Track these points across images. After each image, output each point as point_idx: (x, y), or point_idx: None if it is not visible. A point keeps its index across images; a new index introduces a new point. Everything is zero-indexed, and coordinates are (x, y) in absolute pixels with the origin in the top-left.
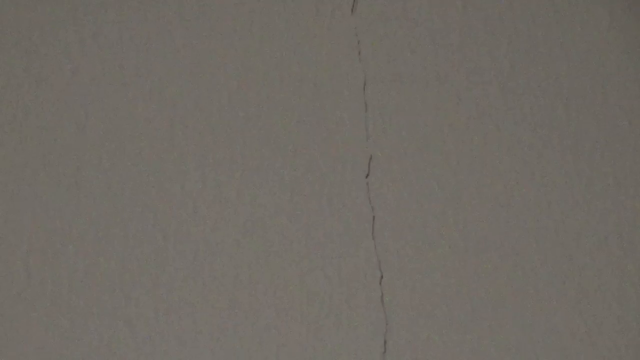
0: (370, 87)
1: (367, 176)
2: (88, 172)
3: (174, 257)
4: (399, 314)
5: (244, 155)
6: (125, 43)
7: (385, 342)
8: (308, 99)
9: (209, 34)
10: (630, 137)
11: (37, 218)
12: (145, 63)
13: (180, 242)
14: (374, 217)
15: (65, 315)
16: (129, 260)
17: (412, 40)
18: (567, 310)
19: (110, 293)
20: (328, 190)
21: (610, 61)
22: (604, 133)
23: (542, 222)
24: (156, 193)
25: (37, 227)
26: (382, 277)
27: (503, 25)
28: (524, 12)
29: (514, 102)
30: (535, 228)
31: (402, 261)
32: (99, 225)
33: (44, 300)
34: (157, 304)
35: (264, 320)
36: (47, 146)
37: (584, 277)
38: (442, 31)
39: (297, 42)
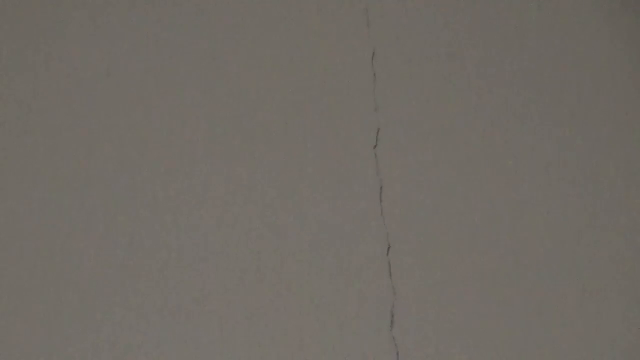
0: (378, 59)
1: (375, 147)
2: (97, 159)
3: (183, 239)
4: (406, 285)
5: (253, 129)
6: (135, 37)
7: (392, 314)
8: (317, 71)
9: (217, 10)
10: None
11: (47, 204)
12: (157, 53)
13: (190, 220)
14: (381, 187)
15: (73, 300)
16: (137, 248)
17: (422, 12)
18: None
19: (118, 278)
20: (336, 161)
21: (620, 39)
22: (615, 118)
23: (550, 196)
24: (165, 179)
25: (46, 213)
26: (389, 247)
27: (513, 3)
28: None
29: (523, 79)
30: (544, 202)
31: (409, 231)
32: (108, 213)
33: (51, 284)
34: (166, 289)
35: (271, 294)
36: (56, 134)
37: (591, 251)
38: (453, 5)
39: (306, 15)
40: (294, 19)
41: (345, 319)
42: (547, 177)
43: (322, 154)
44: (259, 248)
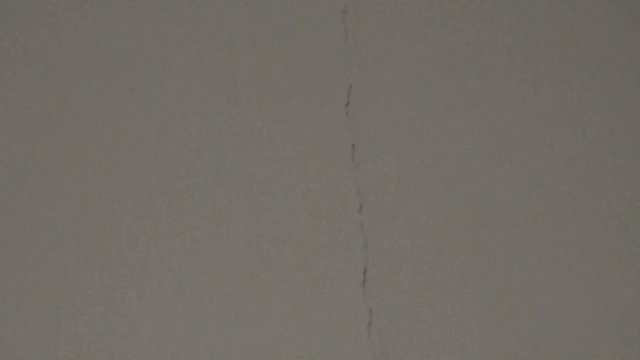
0: (350, 14)
1: (347, 105)
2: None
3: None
4: (378, 243)
5: (222, 89)
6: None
7: (365, 271)
8: (286, 27)
9: None
10: None
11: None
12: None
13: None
14: (353, 145)
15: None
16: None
17: None
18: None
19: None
20: (308, 119)
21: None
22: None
23: (536, 155)
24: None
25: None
26: (361, 205)
27: None
28: None
29: (509, 32)
30: (526, 163)
31: (382, 190)
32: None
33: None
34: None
35: (240, 256)
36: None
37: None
38: None
39: None
40: None
41: (317, 278)
42: (532, 138)
43: (292, 114)
44: (230, 210)
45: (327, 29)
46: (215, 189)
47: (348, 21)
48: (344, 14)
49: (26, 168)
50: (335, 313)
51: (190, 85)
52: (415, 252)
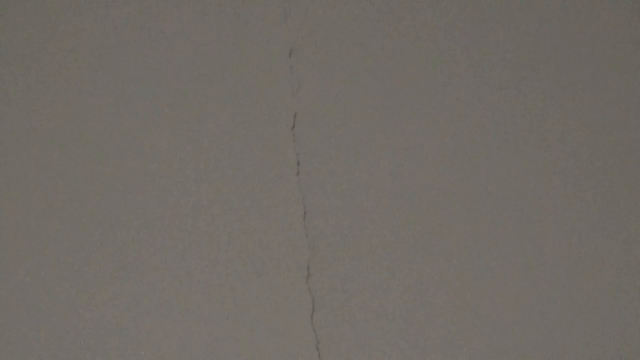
0: (296, 53)
1: (292, 128)
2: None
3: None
4: (322, 245)
5: (171, 110)
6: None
7: (308, 267)
8: (240, 63)
9: None
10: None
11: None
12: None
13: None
14: (298, 162)
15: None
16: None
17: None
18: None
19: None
20: (258, 139)
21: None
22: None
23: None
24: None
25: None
26: (305, 212)
27: None
28: None
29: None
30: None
31: (326, 205)
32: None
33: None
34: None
35: (191, 256)
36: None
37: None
38: None
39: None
40: (213, 10)
41: (261, 278)
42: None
43: (244, 136)
44: (176, 226)
45: (275, 64)
46: (166, 201)
47: (293, 58)
48: (290, 52)
49: (24, 168)
50: (281, 306)
51: (143, 110)
52: (355, 253)
